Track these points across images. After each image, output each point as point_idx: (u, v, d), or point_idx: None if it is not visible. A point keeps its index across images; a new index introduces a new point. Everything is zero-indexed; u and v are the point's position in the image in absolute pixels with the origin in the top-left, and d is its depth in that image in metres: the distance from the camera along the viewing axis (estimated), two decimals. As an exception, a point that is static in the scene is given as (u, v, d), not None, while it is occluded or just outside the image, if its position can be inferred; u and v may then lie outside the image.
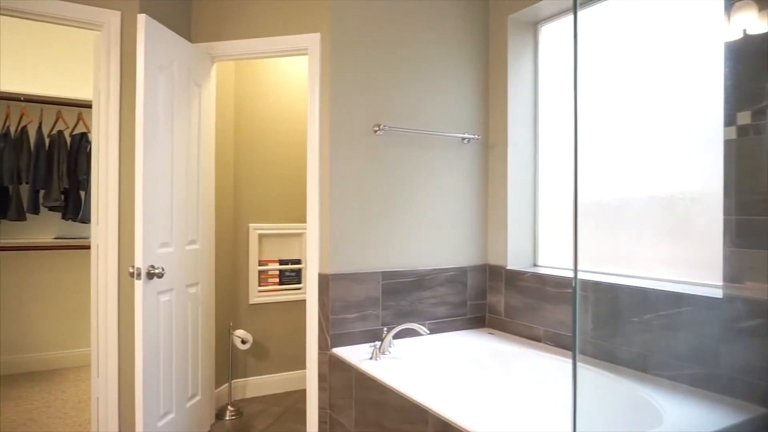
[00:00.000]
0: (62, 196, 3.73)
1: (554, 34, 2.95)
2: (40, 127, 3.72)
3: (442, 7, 2.94)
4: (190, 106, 2.57)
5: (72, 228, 3.96)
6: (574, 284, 1.37)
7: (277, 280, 3.48)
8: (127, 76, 2.51)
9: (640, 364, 2.25)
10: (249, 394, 3.35)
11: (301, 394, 3.41)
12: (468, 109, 3.01)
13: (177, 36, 2.46)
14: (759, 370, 1.87)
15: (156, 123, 2.27)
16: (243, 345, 3.08)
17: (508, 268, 2.96)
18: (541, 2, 2.77)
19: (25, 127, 3.68)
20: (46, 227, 3.90)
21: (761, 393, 1.86)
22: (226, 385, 3.22)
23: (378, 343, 2.50)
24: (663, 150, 2.38)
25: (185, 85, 2.53)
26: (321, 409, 2.64)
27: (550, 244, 3.00)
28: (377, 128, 2.70)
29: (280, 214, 3.49)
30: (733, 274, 1.94)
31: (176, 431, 2.45)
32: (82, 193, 3.84)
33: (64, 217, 3.77)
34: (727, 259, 1.93)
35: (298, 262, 3.56)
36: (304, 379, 3.53)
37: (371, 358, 2.43)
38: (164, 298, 2.35)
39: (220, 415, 3.02)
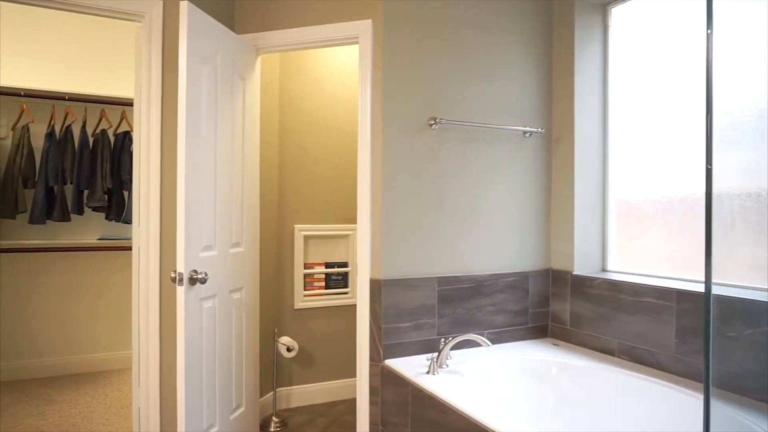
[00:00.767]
0: (105, 197, 3.67)
1: (626, 16, 2.67)
2: (84, 126, 3.67)
3: (502, -10, 2.70)
4: (234, 100, 2.43)
5: (116, 229, 3.90)
6: (706, 298, 1.13)
7: (323, 284, 3.32)
8: (169, 70, 2.38)
9: (738, 386, 1.96)
10: (294, 404, 3.20)
11: (348, 404, 3.24)
12: (530, 99, 2.77)
13: (221, 26, 2.31)
14: None
15: (199, 118, 2.13)
16: (288, 353, 2.92)
17: (575, 273, 2.70)
18: (614, -21, 2.51)
19: (69, 126, 3.63)
20: (91, 228, 3.85)
21: None
22: (271, 394, 3.07)
23: (435, 355, 2.29)
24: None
25: (229, 78, 2.38)
26: (372, 425, 2.45)
27: (621, 248, 2.73)
28: (433, 122, 2.49)
29: (326, 215, 3.32)
30: None
31: (220, 446, 2.31)
32: (126, 194, 3.77)
33: (107, 218, 3.71)
34: None
35: (345, 265, 3.38)
36: (350, 388, 3.35)
37: (428, 372, 2.22)
38: (207, 304, 2.21)
39: (264, 426, 2.87)
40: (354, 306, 3.38)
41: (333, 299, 3.32)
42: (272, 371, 3.07)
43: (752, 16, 2.08)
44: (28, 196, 3.58)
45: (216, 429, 2.27)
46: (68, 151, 3.60)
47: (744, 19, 2.10)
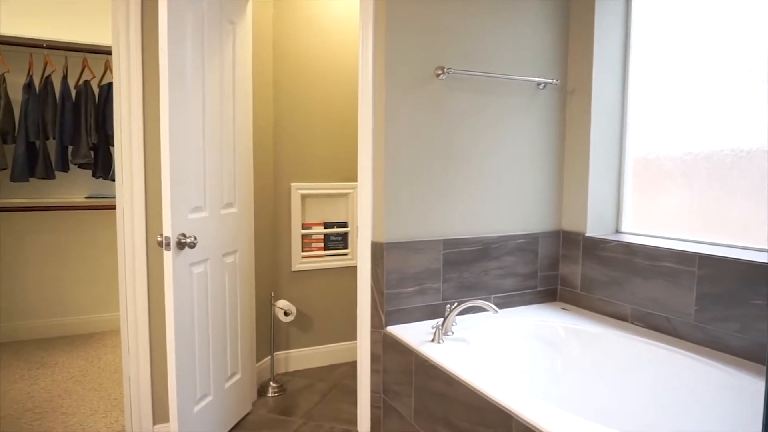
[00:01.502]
0: (91, 153, 3.48)
1: (655, -47, 2.42)
2: (65, 76, 3.44)
3: (517, -77, 2.44)
4: (222, 47, 2.21)
5: (104, 186, 3.73)
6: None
7: (321, 245, 3.18)
8: (150, 12, 2.16)
9: (762, 356, 1.85)
10: (292, 368, 3.11)
11: (348, 368, 3.16)
12: (545, 48, 2.55)
13: (205, -39, 2.07)
14: None
15: (184, 67, 1.93)
16: (286, 317, 2.81)
17: (588, 235, 2.55)
18: None
19: (49, 76, 3.40)
20: (77, 186, 3.68)
21: None
22: (268, 358, 2.98)
23: (440, 322, 2.17)
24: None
25: (217, 22, 2.16)
26: (374, 393, 2.35)
27: (637, 209, 2.57)
28: (440, 72, 2.29)
29: (324, 173, 3.15)
30: None
31: (215, 415, 2.21)
32: (113, 149, 3.58)
33: (94, 175, 3.53)
34: None
35: (344, 225, 3.23)
36: (350, 351, 3.26)
37: (433, 340, 2.10)
38: (198, 270, 2.07)
39: (262, 391, 2.79)
40: (354, 268, 3.25)
41: (332, 261, 3.19)
42: (269, 336, 2.96)
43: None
44: (8, 152, 3.39)
45: (211, 398, 2.18)
46: (49, 104, 3.39)
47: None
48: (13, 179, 3.29)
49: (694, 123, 2.30)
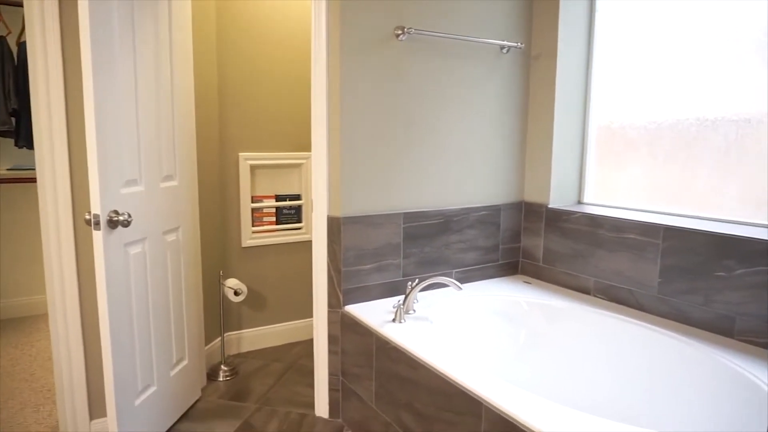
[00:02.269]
0: (12, 119, 3.13)
1: None
2: (-23, 33, 3.05)
3: None
4: (156, 4, 1.95)
5: (29, 157, 3.38)
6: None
7: (273, 219, 2.99)
8: (67, -44, 1.87)
9: (725, 327, 1.84)
10: (245, 348, 2.95)
11: (304, 346, 3.03)
12: (510, 10, 2.41)
13: None
14: None
15: (110, 22, 1.68)
16: (236, 297, 2.63)
17: (551, 206, 2.48)
18: None
19: (-43, 33, 3.01)
20: (-2, 156, 3.32)
21: None
22: (218, 340, 2.81)
23: (401, 300, 2.06)
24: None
25: (147, -31, 1.90)
26: (332, 375, 2.24)
27: (600, 179, 2.52)
28: (400, 32, 2.11)
29: (275, 142, 2.94)
30: None
31: (160, 406, 2.04)
32: (38, 116, 3.22)
33: (17, 145, 3.18)
34: None
35: (297, 197, 3.05)
36: (306, 329, 3.13)
37: (394, 320, 1.99)
38: (135, 250, 1.86)
39: (212, 375, 2.62)
40: (309, 242, 3.09)
41: (285, 235, 3.02)
42: (219, 317, 2.78)
43: None
44: None
45: (154, 388, 2.00)
46: (-41, 64, 3.00)
47: None
48: None
49: (659, 91, 2.23)
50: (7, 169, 3.32)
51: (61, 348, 2.00)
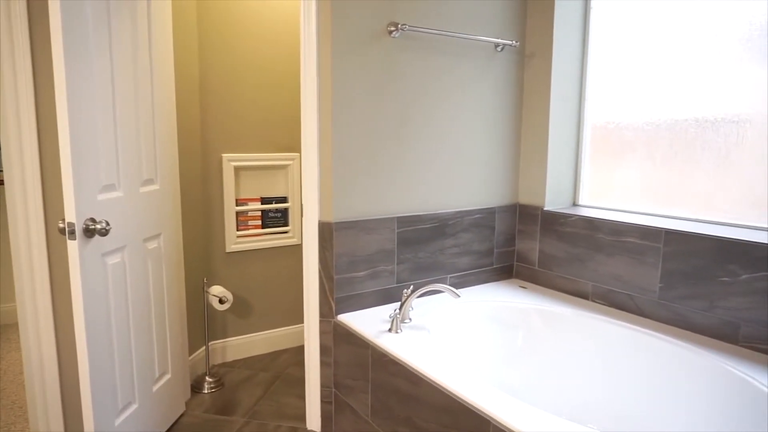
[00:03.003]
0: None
1: None
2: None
3: None
4: (135, 3, 1.83)
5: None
6: None
7: (258, 222, 2.88)
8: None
9: (729, 334, 1.79)
10: (230, 357, 2.84)
11: (292, 354, 2.92)
12: (504, 7, 2.34)
13: None
14: None
15: (84, 19, 1.55)
16: (221, 305, 2.52)
17: (546, 209, 2.42)
18: None
19: None
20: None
21: None
22: (202, 349, 2.69)
23: (397, 310, 1.98)
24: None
25: (125, -41, 1.77)
26: (324, 387, 2.14)
27: (595, 181, 2.46)
28: (393, 29, 2.02)
29: (260, 142, 2.82)
30: None
31: (142, 424, 1.93)
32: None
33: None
34: None
35: (284, 200, 2.94)
36: (293, 336, 3.02)
37: (390, 330, 1.90)
38: (113, 260, 1.74)
39: (197, 387, 2.50)
40: (296, 246, 2.98)
41: (271, 240, 2.91)
42: (203, 326, 2.66)
43: None
44: None
45: (136, 406, 1.88)
46: None
47: None
48: None
49: (656, 92, 2.19)
50: (-25, 172, 3.15)
51: (34, 363, 1.87)
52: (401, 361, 1.69)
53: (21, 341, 1.87)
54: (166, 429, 2.12)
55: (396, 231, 2.18)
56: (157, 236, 2.05)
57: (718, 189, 2.00)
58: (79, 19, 1.52)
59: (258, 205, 2.86)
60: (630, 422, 1.86)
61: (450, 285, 2.38)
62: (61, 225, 1.55)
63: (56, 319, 1.88)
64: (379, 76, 2.05)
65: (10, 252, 3.26)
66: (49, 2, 1.43)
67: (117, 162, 1.75)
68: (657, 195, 2.21)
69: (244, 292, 2.84)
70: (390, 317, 1.93)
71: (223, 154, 2.71)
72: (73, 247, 1.53)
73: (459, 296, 1.93)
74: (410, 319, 2.01)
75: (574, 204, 2.53)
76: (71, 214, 1.51)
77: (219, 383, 2.54)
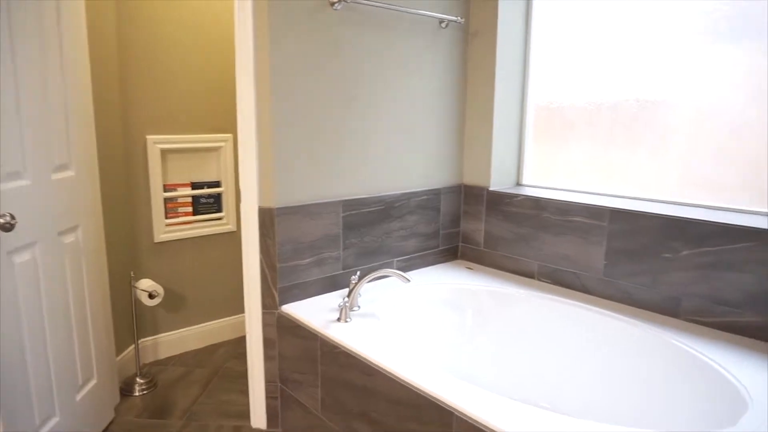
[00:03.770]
0: None
1: None
2: None
3: None
4: (34, -54, 1.58)
5: None
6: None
7: (189, 209, 2.67)
8: None
9: (671, 308, 1.84)
10: (163, 354, 2.64)
11: (232, 346, 2.77)
12: (447, -21, 2.25)
13: None
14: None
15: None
16: (151, 300, 2.32)
17: (492, 189, 2.40)
18: None
19: None
20: None
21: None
22: (132, 348, 2.48)
23: (345, 299, 1.88)
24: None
25: None
26: (269, 382, 2.02)
27: (539, 160, 2.46)
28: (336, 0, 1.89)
29: (189, 123, 2.61)
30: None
31: (65, 437, 1.73)
32: None
33: None
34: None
35: (216, 184, 2.75)
36: (230, 328, 2.86)
37: (339, 320, 1.81)
38: (22, 258, 1.52)
39: (126, 390, 2.31)
40: (231, 234, 2.80)
41: (204, 227, 2.71)
42: (131, 323, 2.45)
43: None
44: None
45: (57, 419, 1.68)
46: None
47: None
48: None
49: (598, 72, 2.19)
50: None
51: (-70, 380, 1.62)
52: (353, 352, 1.60)
53: None
54: (93, 439, 1.93)
55: (341, 215, 2.07)
56: (75, 228, 1.83)
57: (660, 168, 2.04)
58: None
59: (188, 191, 2.65)
60: (579, 395, 1.88)
61: (397, 268, 2.31)
62: (-45, 219, 1.33)
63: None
64: (321, 52, 1.91)
65: None
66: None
67: (21, 145, 1.52)
68: (600, 174, 2.23)
69: (175, 285, 2.64)
70: (338, 306, 1.84)
71: (148, 136, 2.48)
72: (-29, 244, 1.31)
73: (409, 281, 1.86)
74: (359, 307, 1.93)
75: (518, 184, 2.53)
76: (-33, 207, 1.29)
77: (152, 384, 2.35)
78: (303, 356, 1.85)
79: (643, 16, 2.03)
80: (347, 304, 1.82)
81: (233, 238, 2.81)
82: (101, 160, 2.18)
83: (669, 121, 2.00)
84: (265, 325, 1.97)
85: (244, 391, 2.31)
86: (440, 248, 2.49)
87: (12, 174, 1.47)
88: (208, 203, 2.73)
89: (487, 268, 2.44)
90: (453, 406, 1.29)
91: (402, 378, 1.43)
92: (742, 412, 1.31)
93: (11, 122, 1.47)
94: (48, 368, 1.64)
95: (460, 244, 2.57)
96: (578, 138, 2.28)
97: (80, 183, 1.85)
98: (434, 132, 2.35)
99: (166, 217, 2.59)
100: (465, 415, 1.27)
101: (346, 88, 2.01)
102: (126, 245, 2.42)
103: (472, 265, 2.49)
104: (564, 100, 2.32)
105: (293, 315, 1.88)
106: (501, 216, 2.35)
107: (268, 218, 1.91)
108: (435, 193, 2.41)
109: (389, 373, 1.47)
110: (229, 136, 2.73)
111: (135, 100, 2.41)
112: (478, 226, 2.47)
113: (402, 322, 2.04)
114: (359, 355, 1.58)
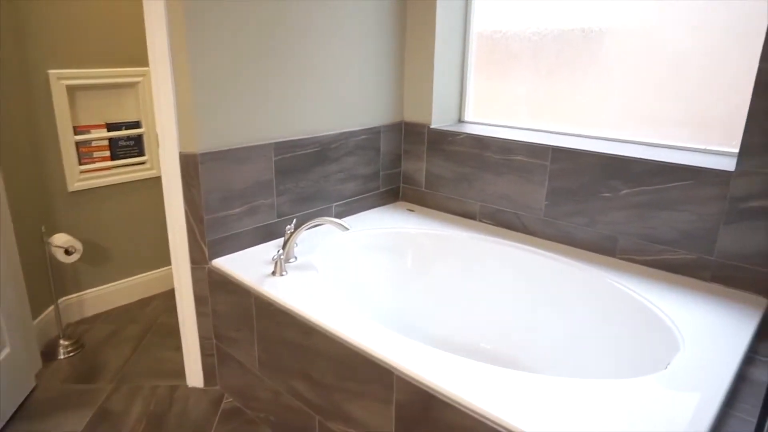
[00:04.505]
0: None
1: None
2: None
3: None
4: None
5: None
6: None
7: (107, 153, 2.43)
8: None
9: (608, 247, 1.85)
10: (89, 312, 2.48)
11: (162, 300, 2.63)
12: None
13: None
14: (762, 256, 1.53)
15: None
16: (68, 257, 2.12)
17: (433, 127, 2.29)
18: None
19: None
20: None
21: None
22: (51, 308, 2.30)
23: (279, 247, 1.77)
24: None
25: None
26: (203, 338, 1.92)
27: (480, 95, 2.36)
28: None
29: (100, 54, 2.31)
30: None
31: (-23, 412, 1.59)
32: None
33: None
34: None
35: (136, 125, 2.49)
36: (161, 280, 2.71)
37: (274, 273, 1.71)
38: None
39: (49, 354, 2.15)
40: (156, 178, 2.59)
41: (125, 173, 2.48)
42: (48, 283, 2.25)
43: None
44: None
45: (-37, 395, 1.53)
46: None
47: None
48: None
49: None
50: None
51: None
52: (290, 309, 1.52)
53: None
54: (12, 411, 1.79)
55: (273, 159, 1.92)
56: (-37, 183, 1.59)
57: (603, 102, 1.99)
58: None
59: (104, 133, 2.39)
60: (520, 338, 1.90)
61: (336, 214, 2.21)
62: None
63: None
64: (240, -26, 1.68)
65: None
66: None
67: None
68: (544, 109, 2.16)
69: (98, 237, 2.44)
70: (273, 258, 1.73)
71: (50, 71, 2.17)
72: None
73: (348, 228, 1.77)
74: (295, 258, 1.83)
75: (460, 120, 2.43)
76: None
77: (78, 345, 2.20)
78: (237, 313, 1.75)
79: (591, -62, 1.90)
80: (282, 257, 1.71)
81: (158, 183, 2.60)
82: (-9, 102, 1.90)
83: (612, 52, 1.92)
84: (196, 281, 1.85)
85: (180, 348, 2.21)
86: (381, 190, 2.40)
87: None
88: (127, 146, 2.48)
89: (429, 209, 2.37)
90: (393, 364, 1.24)
91: (341, 336, 1.36)
92: (675, 352, 1.33)
93: None
94: (-55, 342, 1.47)
95: (402, 185, 2.48)
96: (521, 71, 2.19)
97: (-36, 130, 1.60)
98: (373, 66, 2.18)
99: (80, 164, 2.34)
100: (405, 374, 1.22)
101: (276, 14, 1.80)
102: (35, 197, 2.18)
103: (413, 206, 2.42)
104: (509, 29, 2.19)
105: (225, 270, 1.76)
106: (442, 155, 2.27)
107: (191, 165, 1.73)
108: (374, 132, 2.28)
109: (327, 331, 1.40)
110: (148, 69, 2.45)
111: (33, 28, 2.09)
112: (419, 166, 2.38)
113: (341, 271, 1.96)
114: (296, 313, 1.50)
